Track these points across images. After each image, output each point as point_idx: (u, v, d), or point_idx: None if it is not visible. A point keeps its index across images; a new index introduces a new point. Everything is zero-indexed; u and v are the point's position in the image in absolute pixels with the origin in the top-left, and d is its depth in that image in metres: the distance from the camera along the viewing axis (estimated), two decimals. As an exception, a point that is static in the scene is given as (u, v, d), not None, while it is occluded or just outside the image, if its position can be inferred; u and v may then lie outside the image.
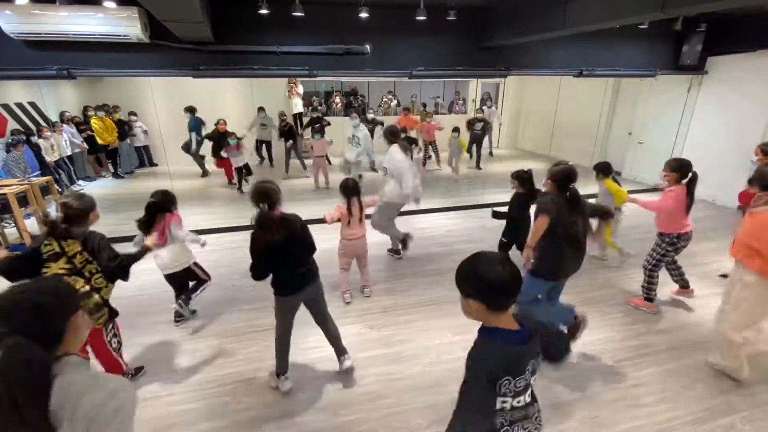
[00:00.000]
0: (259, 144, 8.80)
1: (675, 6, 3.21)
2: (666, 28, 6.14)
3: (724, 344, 2.80)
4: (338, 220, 3.63)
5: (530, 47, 5.99)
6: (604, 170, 4.24)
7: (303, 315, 3.65)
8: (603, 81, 8.25)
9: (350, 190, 3.57)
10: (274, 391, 2.78)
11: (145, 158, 9.30)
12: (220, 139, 7.24)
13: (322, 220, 3.64)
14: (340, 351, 2.91)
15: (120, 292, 4.08)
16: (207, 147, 7.79)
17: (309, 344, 3.26)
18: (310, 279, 2.63)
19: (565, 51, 6.18)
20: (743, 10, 5.92)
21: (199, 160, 8.19)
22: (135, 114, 8.81)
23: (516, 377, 1.27)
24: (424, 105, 11.07)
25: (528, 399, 1.35)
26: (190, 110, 7.83)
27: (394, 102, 11.51)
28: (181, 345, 3.28)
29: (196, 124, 7.86)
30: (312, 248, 2.60)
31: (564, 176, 2.57)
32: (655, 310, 3.67)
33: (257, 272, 2.45)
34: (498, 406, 1.28)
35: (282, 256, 2.41)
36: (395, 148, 4.26)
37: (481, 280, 1.25)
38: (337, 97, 11.15)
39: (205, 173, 8.29)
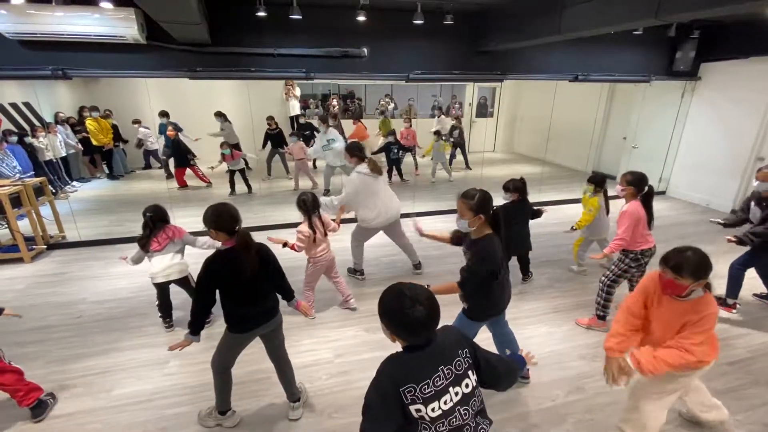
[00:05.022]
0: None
1: (669, 12, 3.25)
2: (660, 35, 6.21)
3: None
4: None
5: (526, 52, 6.04)
6: (594, 182, 4.16)
7: (291, 320, 3.65)
8: (598, 86, 8.31)
9: (309, 205, 3.34)
10: (268, 393, 2.76)
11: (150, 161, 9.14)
12: (175, 146, 7.38)
13: (299, 224, 3.44)
14: (292, 395, 2.58)
15: (115, 295, 4.08)
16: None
17: (303, 347, 3.25)
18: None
19: (561, 56, 6.23)
20: (736, 18, 6.00)
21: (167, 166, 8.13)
22: (139, 121, 8.63)
23: (420, 383, 1.27)
24: (383, 112, 11.06)
25: (455, 412, 1.34)
26: (165, 114, 7.92)
27: (392, 105, 11.54)
28: (175, 347, 3.25)
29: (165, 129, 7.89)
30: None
31: (485, 202, 2.24)
32: (607, 328, 3.52)
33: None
34: (414, 414, 1.28)
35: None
36: (354, 173, 3.88)
37: (399, 319, 1.28)
38: (335, 100, 11.16)
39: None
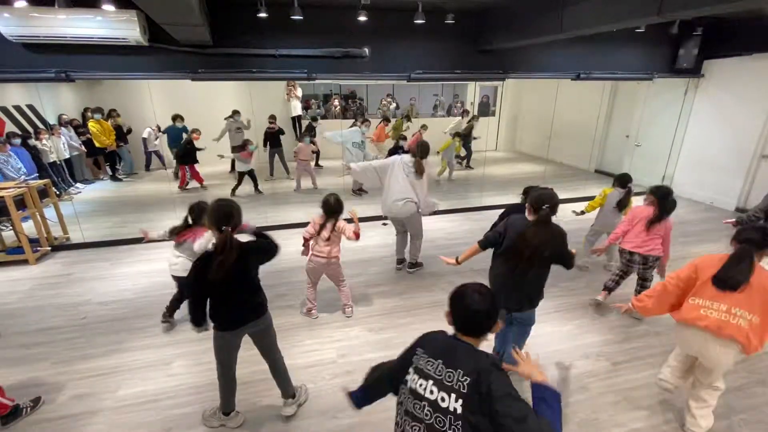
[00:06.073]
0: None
1: (671, 10, 3.23)
2: (662, 32, 6.19)
3: None
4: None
5: (528, 51, 6.02)
6: (617, 180, 4.35)
7: (293, 320, 3.66)
8: (600, 84, 8.28)
9: (330, 209, 3.31)
10: (271, 394, 2.77)
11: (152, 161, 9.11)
12: (189, 147, 7.47)
13: (302, 225, 3.52)
14: (286, 392, 2.61)
15: (119, 296, 4.09)
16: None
17: (306, 347, 3.26)
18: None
19: (563, 54, 6.21)
20: (739, 14, 5.97)
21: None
22: (159, 127, 8.49)
23: (427, 352, 1.42)
24: (407, 114, 10.95)
25: (420, 405, 1.36)
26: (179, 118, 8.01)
27: (393, 105, 11.54)
28: (179, 348, 3.26)
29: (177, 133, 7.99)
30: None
31: (536, 199, 2.67)
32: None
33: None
34: (405, 383, 1.43)
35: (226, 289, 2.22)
36: (399, 156, 4.22)
37: (460, 307, 1.45)
38: (336, 100, 11.17)
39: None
